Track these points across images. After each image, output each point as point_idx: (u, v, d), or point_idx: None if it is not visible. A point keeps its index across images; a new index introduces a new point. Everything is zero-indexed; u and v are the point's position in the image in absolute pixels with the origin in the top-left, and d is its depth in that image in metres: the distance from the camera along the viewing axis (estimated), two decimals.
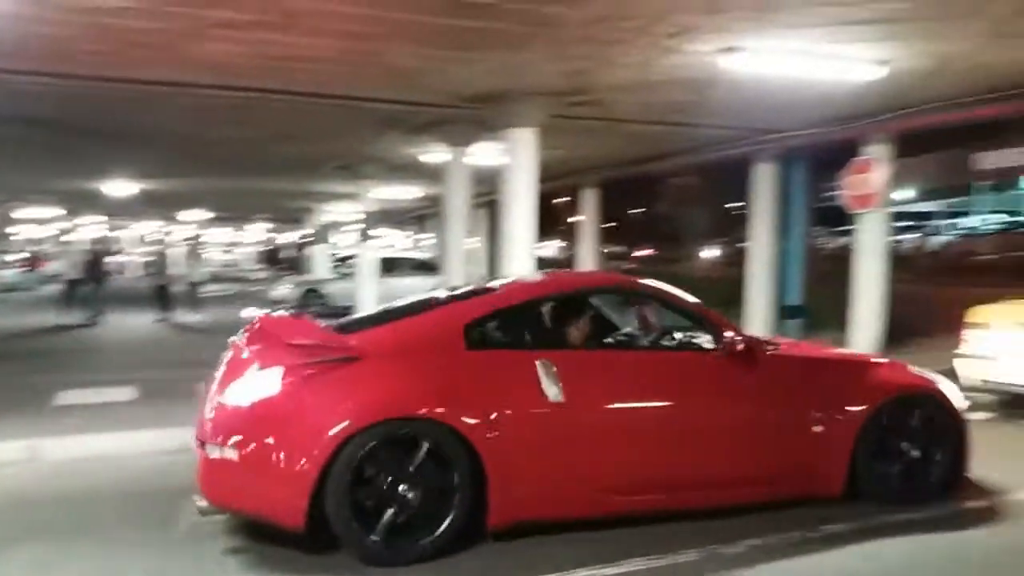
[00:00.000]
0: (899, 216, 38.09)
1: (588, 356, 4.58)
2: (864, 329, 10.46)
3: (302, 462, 3.76)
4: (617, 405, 4.37)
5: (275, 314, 5.20)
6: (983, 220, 38.99)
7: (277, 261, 43.03)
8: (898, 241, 34.00)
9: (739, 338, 4.63)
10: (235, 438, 3.88)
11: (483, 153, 11.38)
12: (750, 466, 4.60)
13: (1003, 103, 8.61)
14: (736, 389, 4.61)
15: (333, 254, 26.77)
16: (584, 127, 10.88)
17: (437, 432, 3.92)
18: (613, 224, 32.25)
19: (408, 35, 6.74)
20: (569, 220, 28.45)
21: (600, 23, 6.35)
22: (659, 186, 35.90)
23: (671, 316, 4.96)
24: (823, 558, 4.12)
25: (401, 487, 3.88)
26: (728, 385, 4.61)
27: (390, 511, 3.86)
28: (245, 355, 4.26)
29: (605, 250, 23.81)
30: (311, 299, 18.47)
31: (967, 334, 7.59)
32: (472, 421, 3.96)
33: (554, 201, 31.91)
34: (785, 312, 12.21)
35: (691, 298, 4.90)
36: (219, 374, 4.32)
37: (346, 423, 3.80)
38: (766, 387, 4.67)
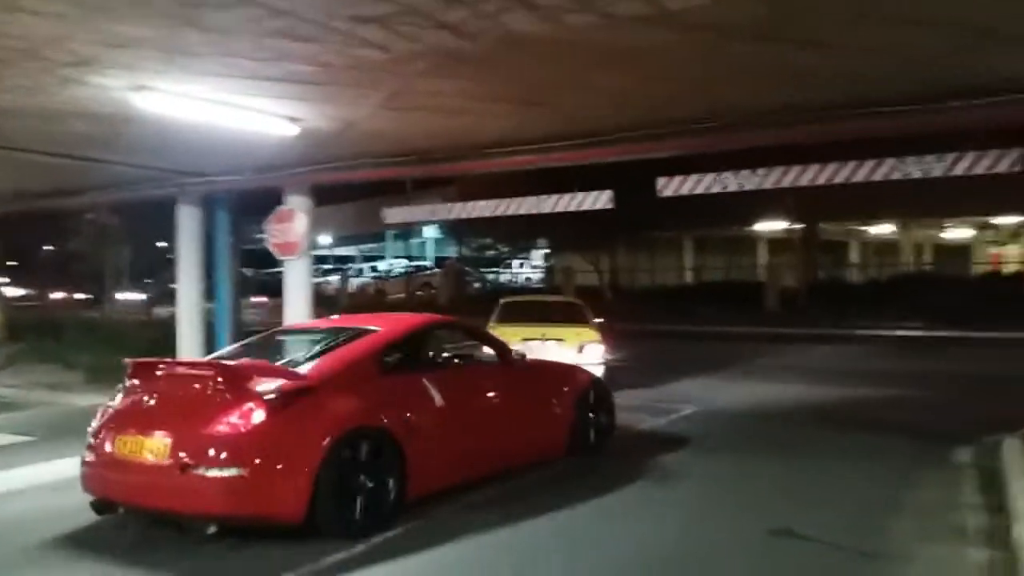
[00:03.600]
0: (322, 259, 41.37)
1: (445, 372, 6.44)
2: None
3: (303, 469, 4.97)
4: (469, 403, 6.36)
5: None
6: (391, 264, 44.26)
7: None
8: (325, 282, 36.74)
9: (517, 354, 7.14)
10: (240, 459, 4.84)
11: None
12: (532, 437, 6.92)
13: (400, 167, 9.94)
14: (519, 386, 6.91)
15: None
16: None
17: (378, 435, 5.43)
18: (14, 263, 28.24)
19: None
20: None
21: None
22: (78, 223, 32.55)
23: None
24: None
25: (361, 477, 5.26)
26: (515, 384, 6.89)
27: (359, 496, 5.21)
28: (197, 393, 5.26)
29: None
30: None
31: None
32: (396, 425, 5.55)
33: None
34: None
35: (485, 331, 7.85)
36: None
37: (328, 437, 5.09)
38: (532, 383, 7.14)
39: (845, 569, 4.86)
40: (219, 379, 5.18)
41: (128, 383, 5.61)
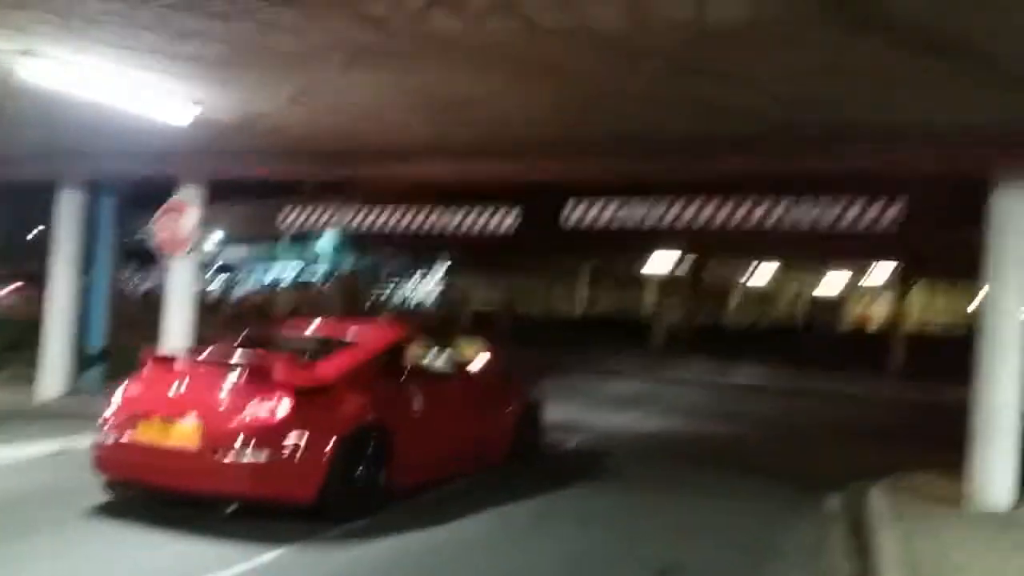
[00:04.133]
0: (209, 263, 39.55)
1: (423, 379, 7.06)
2: None
3: (320, 458, 5.69)
4: (438, 409, 6.99)
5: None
6: (283, 271, 42.82)
7: None
8: (211, 288, 35.16)
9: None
10: (268, 446, 5.54)
11: None
12: (483, 445, 7.71)
13: (307, 166, 9.61)
14: (476, 393, 7.77)
15: None
16: None
17: (378, 430, 6.23)
18: None
19: None
20: None
21: None
22: None
23: None
24: None
25: (361, 466, 6.04)
26: (472, 392, 7.75)
27: (358, 483, 6.00)
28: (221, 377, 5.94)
29: None
30: None
31: None
32: (390, 423, 6.35)
33: None
34: (89, 359, 11.18)
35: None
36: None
37: (342, 430, 5.89)
38: (487, 392, 7.92)
39: None
40: (249, 372, 5.83)
41: (145, 372, 6.31)
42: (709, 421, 13.20)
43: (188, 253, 10.30)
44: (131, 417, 5.88)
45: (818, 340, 25.88)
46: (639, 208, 9.13)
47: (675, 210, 9.15)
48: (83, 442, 7.94)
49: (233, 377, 5.83)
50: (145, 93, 7.16)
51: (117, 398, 6.17)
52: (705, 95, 6.55)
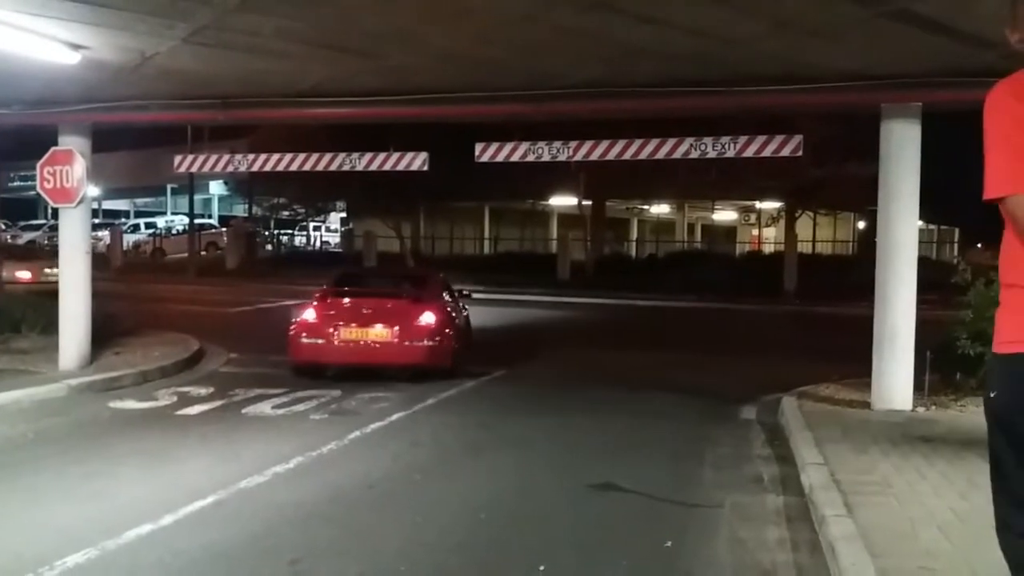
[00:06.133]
0: (92, 213, 37.61)
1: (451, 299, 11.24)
2: (73, 328, 9.80)
3: (450, 343, 9.85)
4: (456, 316, 10.93)
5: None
6: (169, 221, 41.15)
7: None
8: (94, 238, 33.42)
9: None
10: (433, 336, 9.60)
11: None
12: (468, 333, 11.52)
13: (200, 111, 9.14)
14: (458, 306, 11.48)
15: None
16: None
17: (457, 328, 10.74)
18: None
19: None
20: None
21: None
22: None
23: None
24: None
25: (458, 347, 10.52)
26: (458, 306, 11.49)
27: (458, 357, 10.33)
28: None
29: None
30: None
31: None
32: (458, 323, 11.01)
33: None
34: None
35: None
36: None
37: (453, 327, 10.30)
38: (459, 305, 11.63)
39: (664, 517, 5.14)
40: (409, 298, 10.10)
41: (321, 300, 10.09)
42: (621, 345, 13.62)
43: (77, 204, 9.79)
44: (333, 326, 9.60)
45: (716, 265, 26.84)
46: (542, 147, 9.09)
47: (577, 149, 9.13)
48: None
49: (398, 300, 10.02)
50: (22, 36, 6.58)
51: (310, 315, 9.79)
52: (614, 34, 6.53)
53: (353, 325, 9.58)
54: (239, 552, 4.50)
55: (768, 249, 33.43)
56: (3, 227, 31.31)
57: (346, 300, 10.18)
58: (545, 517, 5.13)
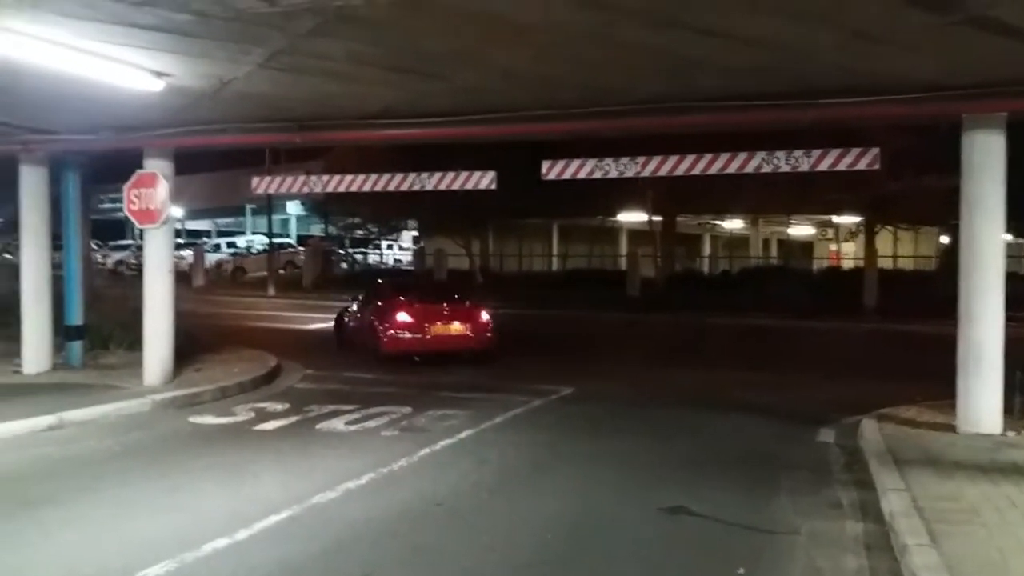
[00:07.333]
0: (176, 233, 39.07)
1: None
2: (157, 346, 10.17)
3: (492, 333, 13.27)
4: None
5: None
6: (249, 241, 42.34)
7: None
8: (178, 257, 34.70)
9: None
10: (488, 330, 13.21)
11: None
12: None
13: (277, 133, 9.43)
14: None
15: None
16: None
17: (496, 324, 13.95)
18: None
19: None
20: None
21: None
22: None
23: None
24: None
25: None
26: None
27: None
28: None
29: None
30: None
31: None
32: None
33: None
34: (68, 333, 11.10)
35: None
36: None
37: (492, 324, 13.52)
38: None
39: (737, 543, 5.01)
40: (468, 304, 13.49)
41: (401, 308, 12.86)
42: (695, 364, 13.35)
43: (161, 225, 10.19)
44: (421, 325, 12.70)
45: (792, 281, 26.15)
46: (609, 163, 9.02)
47: (644, 164, 9.04)
48: (77, 414, 8.16)
49: (460, 305, 13.37)
50: (109, 65, 6.91)
51: (403, 316, 12.73)
52: (677, 48, 6.47)
53: (438, 323, 12.82)
54: (311, 567, 4.58)
55: (847, 264, 32.44)
56: (95, 247, 32.79)
57: (421, 306, 13.01)
58: (612, 540, 5.05)
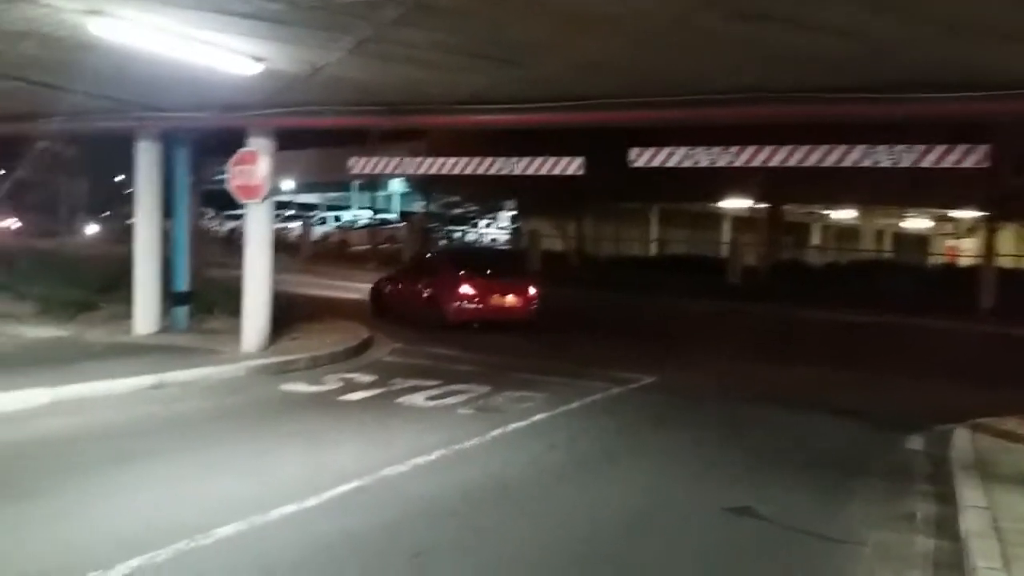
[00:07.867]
0: (283, 205, 40.64)
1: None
2: (254, 316, 10.67)
3: (536, 306, 14.88)
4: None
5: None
6: (355, 215, 43.55)
7: None
8: (287, 229, 36.14)
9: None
10: (536, 303, 14.77)
11: None
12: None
13: (367, 116, 9.68)
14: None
15: None
16: None
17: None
18: None
19: None
20: None
21: None
22: (30, 150, 31.40)
23: None
24: None
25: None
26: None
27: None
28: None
29: None
30: None
31: None
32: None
33: None
34: (175, 298, 11.80)
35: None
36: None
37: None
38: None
39: (799, 550, 4.91)
40: (521, 279, 15.49)
41: (465, 282, 14.28)
42: (788, 359, 12.96)
43: (262, 200, 10.64)
44: (484, 296, 14.22)
45: (904, 276, 24.88)
46: (699, 152, 8.82)
47: (738, 154, 8.79)
48: (177, 376, 8.76)
49: (513, 281, 14.98)
50: (211, 50, 7.26)
51: (467, 290, 14.14)
52: (766, 39, 6.25)
53: (497, 295, 14.40)
54: (368, 539, 4.75)
55: (964, 261, 30.63)
56: (211, 215, 34.44)
57: (482, 279, 14.44)
58: (672, 537, 5.03)
